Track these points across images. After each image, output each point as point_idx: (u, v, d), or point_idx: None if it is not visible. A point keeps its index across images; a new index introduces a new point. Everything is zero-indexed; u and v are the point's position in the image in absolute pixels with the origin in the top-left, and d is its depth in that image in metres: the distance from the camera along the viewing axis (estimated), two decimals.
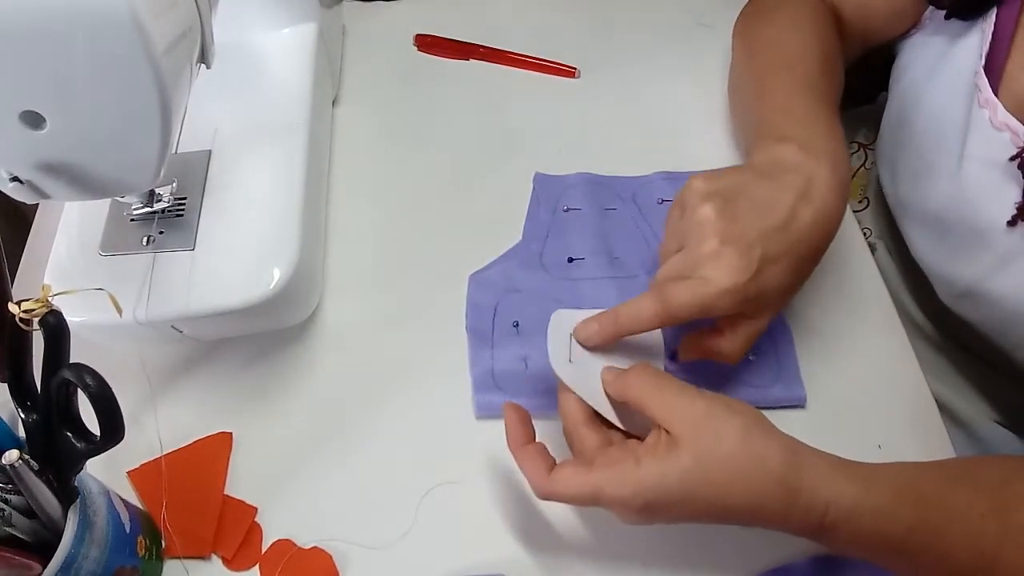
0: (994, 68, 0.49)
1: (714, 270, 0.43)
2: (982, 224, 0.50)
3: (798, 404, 0.52)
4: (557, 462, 0.42)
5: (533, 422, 0.44)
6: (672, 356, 0.52)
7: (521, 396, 0.51)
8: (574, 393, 0.43)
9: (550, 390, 0.50)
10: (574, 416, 0.43)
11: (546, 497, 0.41)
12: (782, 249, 0.44)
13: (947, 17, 0.52)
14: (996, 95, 0.48)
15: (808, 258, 0.46)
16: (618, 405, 0.44)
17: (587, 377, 0.44)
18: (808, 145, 0.47)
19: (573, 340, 0.45)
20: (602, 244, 0.59)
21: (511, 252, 0.59)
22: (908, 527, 0.38)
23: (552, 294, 0.56)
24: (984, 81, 0.49)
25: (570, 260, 0.58)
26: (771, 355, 0.54)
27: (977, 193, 0.50)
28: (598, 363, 0.45)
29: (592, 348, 0.45)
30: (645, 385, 0.42)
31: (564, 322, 0.46)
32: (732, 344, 0.47)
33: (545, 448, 0.43)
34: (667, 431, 0.40)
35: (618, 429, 0.44)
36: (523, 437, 0.43)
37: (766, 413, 0.50)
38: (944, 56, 0.53)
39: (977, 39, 0.50)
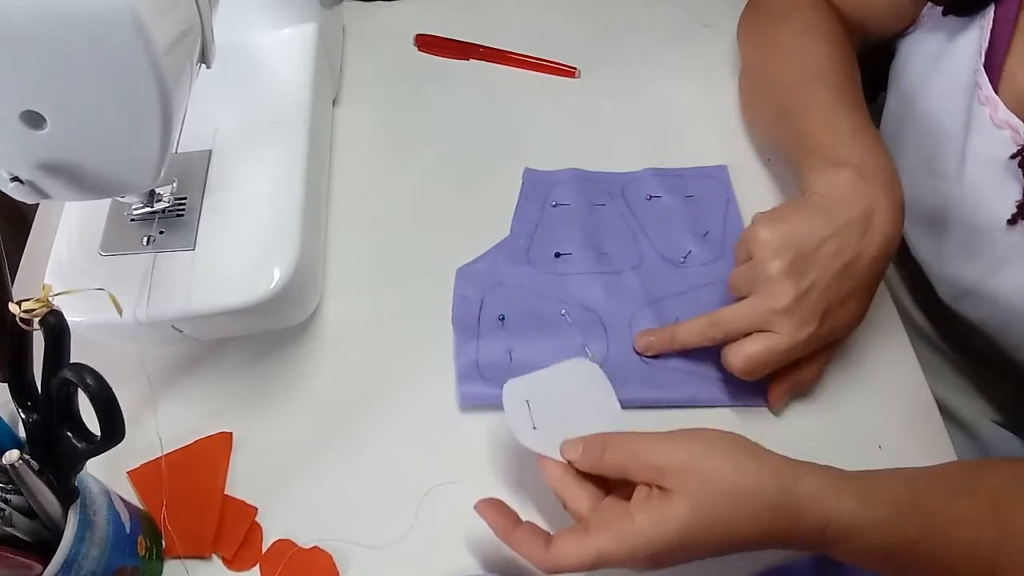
0: (994, 65, 0.48)
1: (787, 326, 0.46)
2: (982, 223, 0.50)
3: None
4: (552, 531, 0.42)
5: None
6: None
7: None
8: (552, 459, 0.43)
9: None
10: (559, 480, 0.43)
11: (551, 571, 0.41)
12: (850, 290, 0.47)
13: (945, 14, 0.51)
14: (996, 92, 0.48)
15: (873, 287, 0.48)
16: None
17: (556, 439, 0.44)
18: (864, 169, 0.47)
19: (532, 406, 0.45)
20: (590, 239, 0.59)
21: (499, 246, 0.59)
22: (910, 539, 0.38)
23: (538, 288, 0.57)
24: (984, 78, 0.49)
25: (557, 255, 0.58)
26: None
27: (977, 192, 0.50)
28: (561, 424, 0.45)
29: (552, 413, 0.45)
30: (620, 452, 0.41)
31: (517, 391, 0.46)
32: (812, 373, 0.50)
33: (535, 526, 0.42)
34: (657, 486, 0.39)
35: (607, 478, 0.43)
36: (509, 524, 0.43)
37: (761, 411, 0.51)
38: (943, 54, 0.53)
39: (976, 36, 0.50)
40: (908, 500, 0.39)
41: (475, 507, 0.44)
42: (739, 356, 0.47)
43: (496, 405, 0.51)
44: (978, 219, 0.51)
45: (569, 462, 0.43)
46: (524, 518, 0.48)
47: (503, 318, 0.55)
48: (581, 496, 0.42)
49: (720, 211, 0.61)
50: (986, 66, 0.49)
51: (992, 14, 0.49)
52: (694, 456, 0.39)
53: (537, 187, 0.62)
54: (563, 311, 0.56)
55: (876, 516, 0.38)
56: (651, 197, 0.61)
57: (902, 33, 0.58)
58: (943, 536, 0.38)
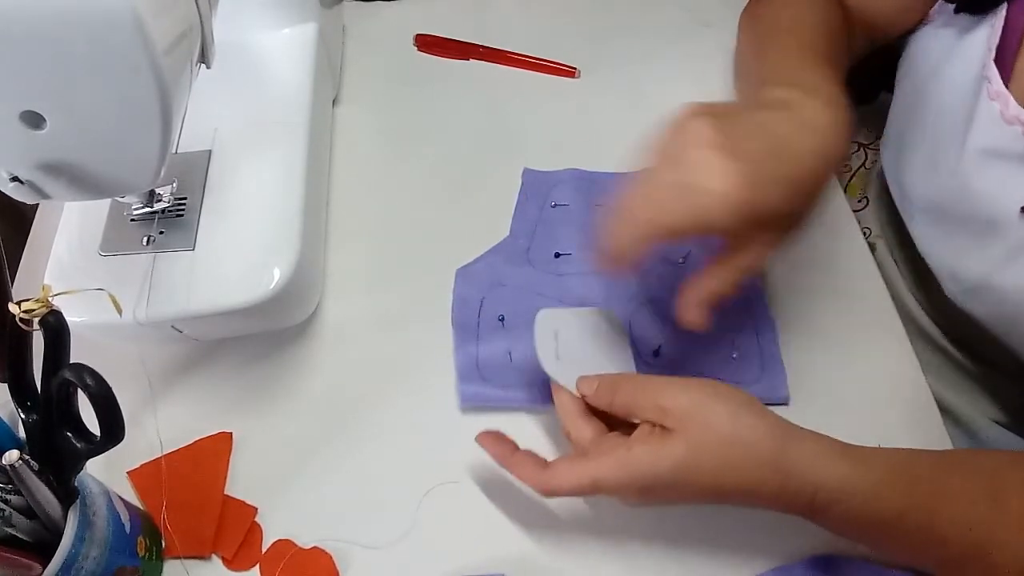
0: (1005, 61, 0.48)
1: (708, 178, 0.40)
2: (992, 217, 0.50)
3: (781, 403, 0.53)
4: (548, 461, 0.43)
5: (519, 414, 0.46)
6: (656, 352, 0.53)
7: (507, 388, 0.52)
8: (566, 389, 0.45)
9: (534, 383, 0.51)
10: (568, 410, 0.45)
11: (548, 493, 0.42)
12: (780, 172, 0.41)
13: (957, 11, 0.51)
14: (1007, 88, 0.48)
15: (808, 187, 0.42)
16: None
17: (574, 374, 0.46)
18: (812, 89, 0.45)
19: (559, 338, 0.47)
20: (589, 239, 0.59)
21: (498, 247, 0.59)
22: (899, 509, 0.39)
23: (538, 289, 0.57)
24: (995, 74, 0.49)
25: (557, 255, 0.58)
26: (755, 352, 0.54)
27: (987, 186, 0.50)
28: (580, 362, 0.47)
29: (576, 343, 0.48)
30: (630, 389, 0.43)
31: (549, 321, 0.48)
32: (749, 257, 0.43)
33: (532, 452, 0.44)
34: (660, 426, 0.41)
35: (611, 419, 0.45)
36: (507, 449, 0.45)
37: None
38: (952, 50, 0.53)
39: (986, 32, 0.50)
40: (901, 472, 0.39)
41: (476, 439, 0.46)
42: (657, 212, 0.41)
43: (496, 406, 0.52)
44: (988, 213, 0.50)
45: (583, 397, 0.45)
46: (527, 517, 0.48)
47: (503, 318, 0.55)
48: (585, 427, 0.44)
49: None
50: (997, 62, 0.49)
51: (1004, 12, 0.49)
52: (697, 403, 0.40)
53: (537, 187, 0.62)
54: None
55: (867, 484, 0.38)
56: None
57: (910, 30, 0.58)
58: (935, 510, 0.39)
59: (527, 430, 0.51)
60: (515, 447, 0.45)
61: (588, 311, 0.51)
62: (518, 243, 0.59)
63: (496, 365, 0.53)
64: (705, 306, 0.44)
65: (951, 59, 0.53)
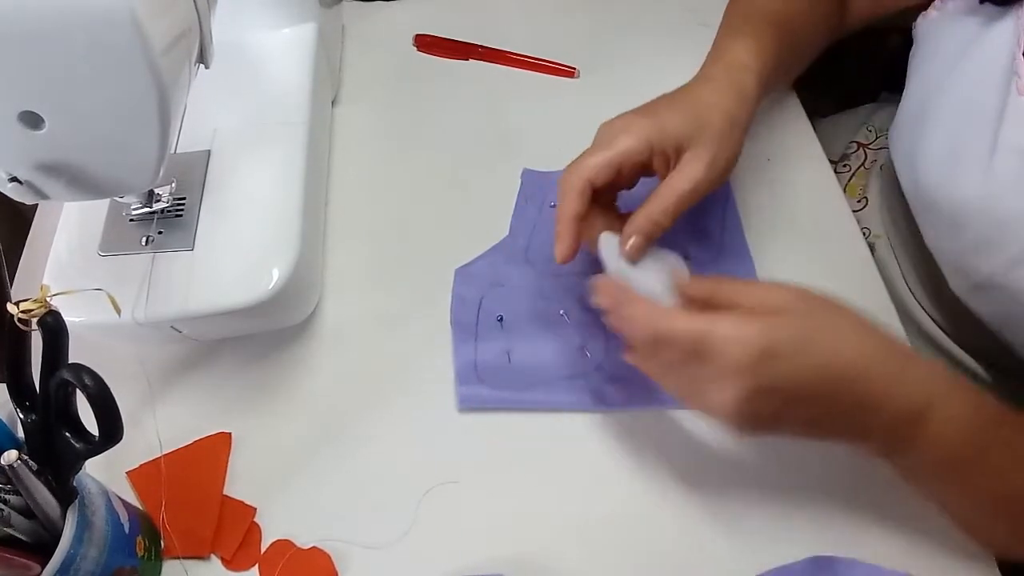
0: None
1: (621, 129, 0.49)
2: (1012, 214, 0.49)
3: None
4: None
5: (519, 415, 0.48)
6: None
7: (505, 390, 0.52)
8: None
9: (533, 384, 0.52)
10: (656, 314, 0.41)
11: (649, 335, 0.40)
12: (676, 105, 0.51)
13: (982, 1, 0.51)
14: None
15: (704, 115, 0.50)
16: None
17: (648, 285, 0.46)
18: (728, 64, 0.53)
19: (622, 261, 0.47)
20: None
21: (497, 247, 0.59)
22: (984, 444, 0.39)
23: (537, 289, 0.57)
24: (1023, 66, 0.48)
25: None
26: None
27: (1007, 181, 0.49)
28: (650, 272, 0.47)
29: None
30: (735, 280, 0.42)
31: (612, 241, 0.48)
32: (678, 179, 0.48)
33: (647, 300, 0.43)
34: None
35: None
36: (623, 296, 0.43)
37: None
38: (974, 42, 0.51)
39: (1011, 24, 0.49)
40: (993, 413, 0.41)
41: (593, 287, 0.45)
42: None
43: (495, 407, 0.52)
44: (1006, 210, 0.50)
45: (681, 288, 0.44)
46: (526, 517, 0.48)
47: (501, 319, 0.55)
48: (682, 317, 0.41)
49: (719, 210, 0.61)
50: None
51: None
52: (808, 290, 0.40)
53: (535, 188, 0.62)
54: (562, 311, 0.55)
55: (970, 408, 0.39)
56: None
57: (923, 11, 0.57)
58: (1016, 454, 0.39)
59: (527, 431, 0.51)
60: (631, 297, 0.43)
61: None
62: (517, 243, 0.59)
63: (494, 366, 0.53)
64: (643, 234, 0.47)
65: (973, 51, 0.51)
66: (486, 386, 0.52)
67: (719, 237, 0.59)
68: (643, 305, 0.42)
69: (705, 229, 0.59)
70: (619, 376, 0.52)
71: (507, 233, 0.60)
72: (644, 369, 0.43)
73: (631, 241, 0.47)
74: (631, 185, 0.51)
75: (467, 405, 0.52)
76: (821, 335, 0.38)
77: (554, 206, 0.61)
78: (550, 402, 0.52)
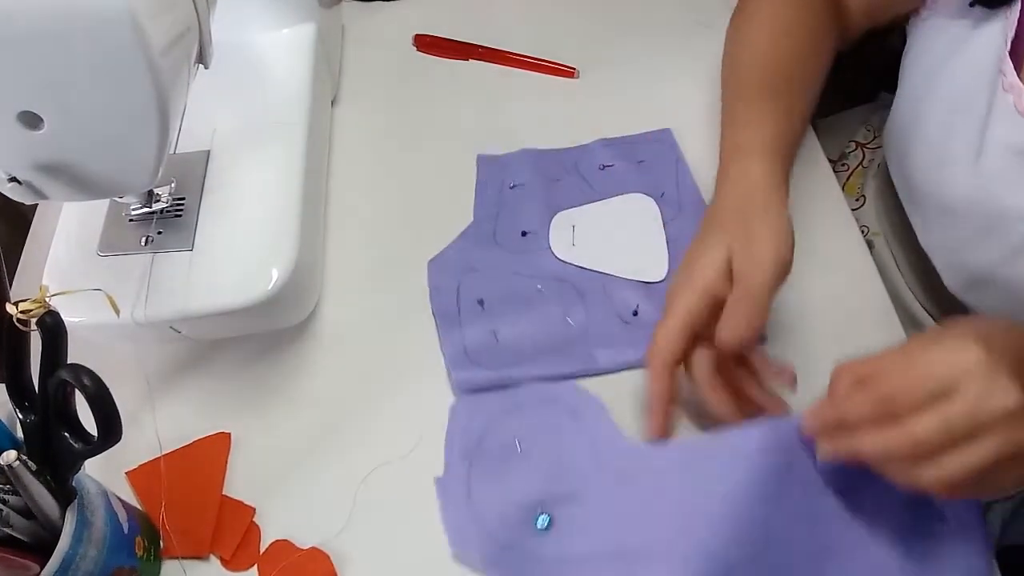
0: (1019, 53, 0.48)
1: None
2: (1002, 210, 0.50)
3: None
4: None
5: (509, 392, 0.50)
6: (634, 312, 0.54)
7: (498, 368, 0.52)
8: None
9: (524, 359, 0.53)
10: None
11: (830, 419, 0.41)
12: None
13: (972, 4, 0.51)
14: (1021, 80, 0.48)
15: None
16: None
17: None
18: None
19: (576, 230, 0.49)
20: (551, 214, 0.60)
21: (465, 233, 0.60)
22: None
23: (511, 268, 0.57)
24: (1009, 66, 0.48)
25: (523, 234, 0.59)
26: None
27: (996, 178, 0.50)
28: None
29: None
30: (894, 372, 0.39)
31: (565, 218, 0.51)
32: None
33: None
34: None
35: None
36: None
37: None
38: (963, 42, 0.52)
39: (999, 25, 0.49)
40: None
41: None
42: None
43: (491, 387, 0.52)
44: (998, 206, 0.50)
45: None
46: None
47: (482, 302, 0.56)
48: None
49: (671, 172, 0.62)
50: (1012, 53, 0.48)
51: (1020, 5, 0.49)
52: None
53: (491, 172, 0.63)
54: (539, 286, 0.56)
55: None
56: (604, 167, 0.63)
57: (909, 16, 0.58)
58: None
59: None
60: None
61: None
62: (483, 228, 0.60)
63: (484, 347, 0.53)
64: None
65: (962, 50, 0.52)
66: (480, 367, 0.52)
67: (676, 197, 0.61)
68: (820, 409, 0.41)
69: (661, 191, 0.61)
70: (602, 339, 0.53)
71: (471, 220, 0.61)
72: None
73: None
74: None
75: (465, 388, 0.52)
76: (1000, 361, 0.36)
77: (513, 187, 0.62)
78: (543, 373, 0.52)
